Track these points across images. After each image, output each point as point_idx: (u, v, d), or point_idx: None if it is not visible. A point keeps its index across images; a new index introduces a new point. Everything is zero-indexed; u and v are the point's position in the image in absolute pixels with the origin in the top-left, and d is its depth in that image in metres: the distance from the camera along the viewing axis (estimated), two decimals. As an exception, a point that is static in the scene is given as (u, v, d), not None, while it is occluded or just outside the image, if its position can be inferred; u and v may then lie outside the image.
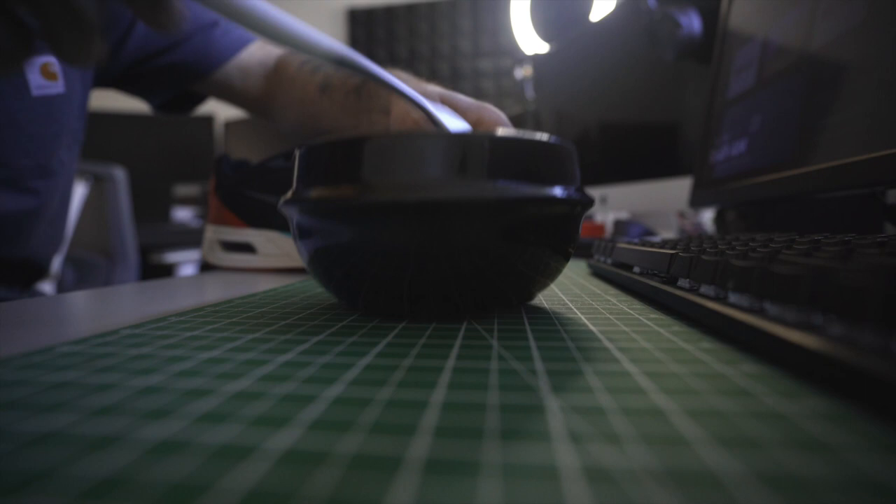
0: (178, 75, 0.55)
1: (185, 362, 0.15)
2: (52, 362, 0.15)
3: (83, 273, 0.98)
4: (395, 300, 0.20)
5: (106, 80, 0.54)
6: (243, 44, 0.56)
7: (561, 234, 0.21)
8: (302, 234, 0.22)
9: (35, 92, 0.42)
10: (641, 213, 0.88)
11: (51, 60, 0.44)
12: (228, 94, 0.58)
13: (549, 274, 0.22)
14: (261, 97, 0.58)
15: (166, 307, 0.26)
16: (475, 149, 0.19)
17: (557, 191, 0.20)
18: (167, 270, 1.66)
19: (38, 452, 0.09)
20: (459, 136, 0.19)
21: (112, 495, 0.08)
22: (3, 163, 0.43)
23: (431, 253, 0.19)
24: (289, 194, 0.22)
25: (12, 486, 0.08)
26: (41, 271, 0.55)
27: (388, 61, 2.24)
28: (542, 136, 0.20)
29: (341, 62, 0.23)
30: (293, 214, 0.21)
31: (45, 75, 0.43)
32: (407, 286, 0.20)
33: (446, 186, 0.18)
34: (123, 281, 1.08)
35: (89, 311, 0.25)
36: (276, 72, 0.57)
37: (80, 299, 0.29)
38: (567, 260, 0.22)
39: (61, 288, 0.87)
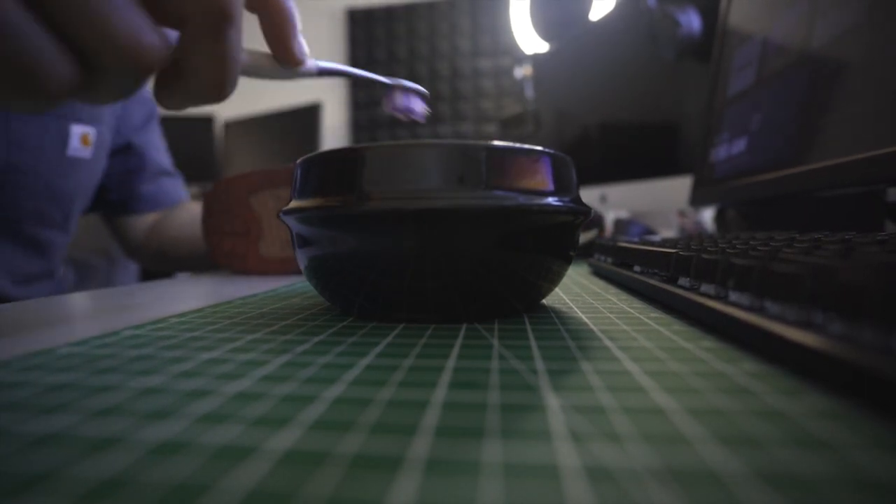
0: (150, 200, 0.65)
1: (185, 363, 0.15)
2: (53, 363, 0.15)
3: (83, 274, 0.98)
4: (396, 309, 0.20)
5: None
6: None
7: (558, 244, 0.21)
8: (301, 244, 0.22)
9: (70, 153, 0.51)
10: (642, 212, 0.88)
11: (88, 131, 0.53)
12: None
13: (547, 282, 0.22)
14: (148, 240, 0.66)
15: (167, 308, 0.26)
16: (473, 159, 0.19)
17: (555, 201, 0.20)
18: (168, 272, 1.65)
19: (39, 454, 0.09)
20: (458, 146, 0.19)
21: (113, 496, 0.08)
22: (24, 209, 0.50)
23: (430, 261, 0.19)
24: (288, 204, 0.22)
25: (14, 488, 0.08)
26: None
27: (388, 61, 2.24)
28: (540, 148, 0.20)
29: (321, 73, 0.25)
30: (293, 223, 0.21)
31: (83, 142, 0.53)
32: (406, 294, 0.20)
33: (445, 196, 0.18)
34: (124, 282, 1.08)
35: (90, 313, 0.25)
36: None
37: (80, 300, 0.29)
38: (565, 269, 0.23)
39: (62, 289, 0.87)
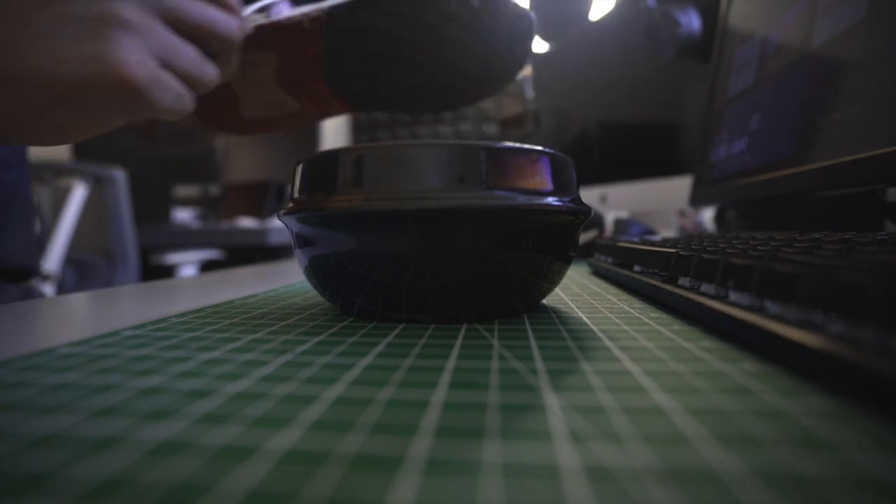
0: None
1: (185, 363, 0.15)
2: (53, 364, 0.15)
3: (83, 274, 0.98)
4: (396, 309, 0.20)
5: None
6: None
7: (558, 244, 0.21)
8: (301, 244, 0.22)
9: None
10: (642, 212, 0.87)
11: None
12: None
13: (547, 283, 0.22)
14: None
15: (167, 308, 0.26)
16: (473, 159, 0.19)
17: (555, 201, 0.20)
18: (168, 272, 1.66)
19: (39, 454, 0.09)
20: (457, 146, 0.19)
21: (113, 497, 0.08)
22: None
23: (430, 261, 0.19)
24: (288, 204, 0.22)
25: (14, 488, 0.08)
26: (27, 272, 0.55)
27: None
28: (540, 147, 0.20)
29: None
30: (293, 224, 0.21)
31: None
32: (406, 293, 0.20)
33: (445, 195, 0.18)
34: (124, 282, 1.08)
35: (90, 313, 0.25)
36: None
37: (80, 301, 0.29)
38: (565, 269, 0.23)
39: (62, 289, 0.87)
